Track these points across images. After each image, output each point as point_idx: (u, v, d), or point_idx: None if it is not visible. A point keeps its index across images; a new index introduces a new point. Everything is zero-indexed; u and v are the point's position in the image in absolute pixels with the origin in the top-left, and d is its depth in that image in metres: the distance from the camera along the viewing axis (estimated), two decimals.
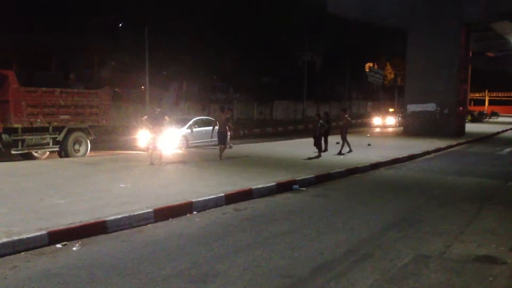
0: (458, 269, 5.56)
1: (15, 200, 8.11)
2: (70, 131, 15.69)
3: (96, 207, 7.64)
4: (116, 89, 33.90)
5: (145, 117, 14.01)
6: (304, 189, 10.54)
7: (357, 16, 31.67)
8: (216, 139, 15.11)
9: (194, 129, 19.11)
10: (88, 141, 16.32)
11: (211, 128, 16.13)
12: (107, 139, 21.64)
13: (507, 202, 9.73)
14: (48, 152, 15.99)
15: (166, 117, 13.67)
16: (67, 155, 15.48)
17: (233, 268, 5.42)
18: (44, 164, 13.44)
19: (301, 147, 18.39)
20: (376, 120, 40.38)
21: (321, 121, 16.21)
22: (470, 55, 36.40)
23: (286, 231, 7.08)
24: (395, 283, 5.09)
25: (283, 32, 45.52)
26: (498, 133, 32.66)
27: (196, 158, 14.88)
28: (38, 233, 6.10)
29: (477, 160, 17.25)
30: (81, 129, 16.08)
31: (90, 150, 16.46)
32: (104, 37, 33.93)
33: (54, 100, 15.19)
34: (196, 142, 19.01)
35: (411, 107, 28.75)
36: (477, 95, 76.70)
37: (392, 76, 72.29)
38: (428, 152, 18.60)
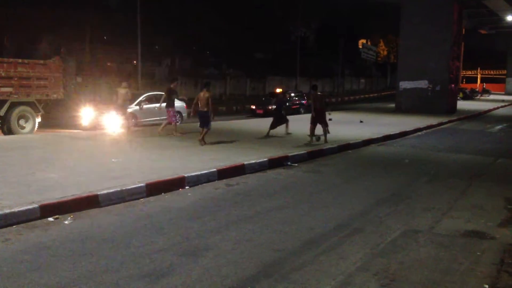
0: (447, 243, 5.64)
1: (6, 173, 8.07)
2: (14, 105, 14.41)
3: (88, 181, 7.63)
4: (109, 64, 33.56)
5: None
6: (296, 165, 10.58)
7: None
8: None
9: (145, 106, 17.17)
10: (36, 117, 15.07)
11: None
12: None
13: (497, 178, 9.83)
14: None
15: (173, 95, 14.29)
16: (10, 132, 14.34)
17: (224, 242, 5.46)
18: (34, 139, 13.32)
19: (293, 124, 18.33)
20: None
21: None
22: (463, 32, 36.23)
23: (278, 206, 7.12)
24: (384, 256, 5.17)
25: (277, 7, 45.07)
26: (489, 110, 32.76)
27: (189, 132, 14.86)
28: (30, 206, 6.10)
29: (467, 137, 17.34)
30: (27, 103, 14.80)
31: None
32: (96, 11, 33.45)
33: None
34: (146, 121, 17.34)
35: (403, 84, 28.75)
36: (469, 72, 76.59)
37: (385, 53, 72.07)
38: (419, 129, 18.67)
